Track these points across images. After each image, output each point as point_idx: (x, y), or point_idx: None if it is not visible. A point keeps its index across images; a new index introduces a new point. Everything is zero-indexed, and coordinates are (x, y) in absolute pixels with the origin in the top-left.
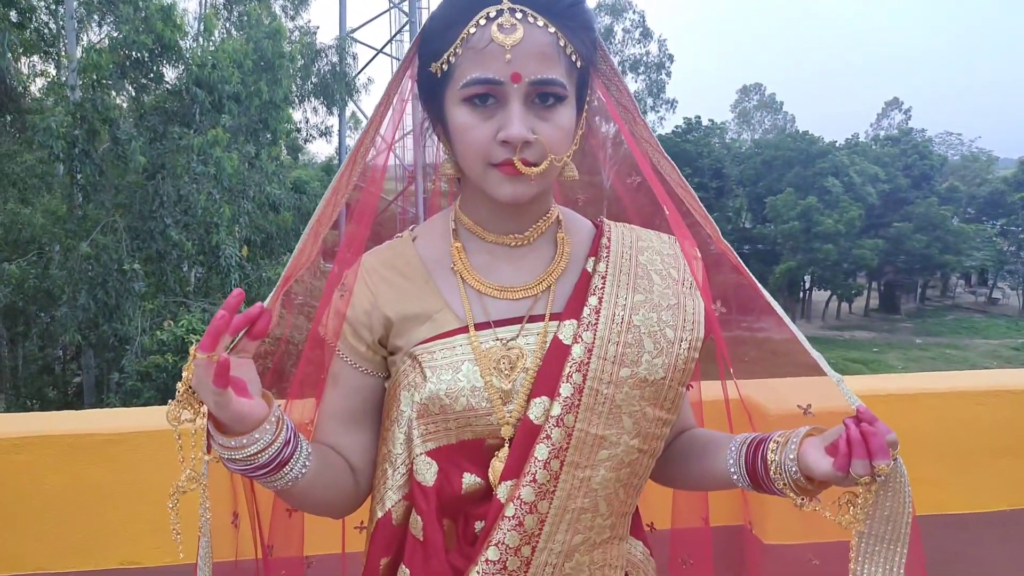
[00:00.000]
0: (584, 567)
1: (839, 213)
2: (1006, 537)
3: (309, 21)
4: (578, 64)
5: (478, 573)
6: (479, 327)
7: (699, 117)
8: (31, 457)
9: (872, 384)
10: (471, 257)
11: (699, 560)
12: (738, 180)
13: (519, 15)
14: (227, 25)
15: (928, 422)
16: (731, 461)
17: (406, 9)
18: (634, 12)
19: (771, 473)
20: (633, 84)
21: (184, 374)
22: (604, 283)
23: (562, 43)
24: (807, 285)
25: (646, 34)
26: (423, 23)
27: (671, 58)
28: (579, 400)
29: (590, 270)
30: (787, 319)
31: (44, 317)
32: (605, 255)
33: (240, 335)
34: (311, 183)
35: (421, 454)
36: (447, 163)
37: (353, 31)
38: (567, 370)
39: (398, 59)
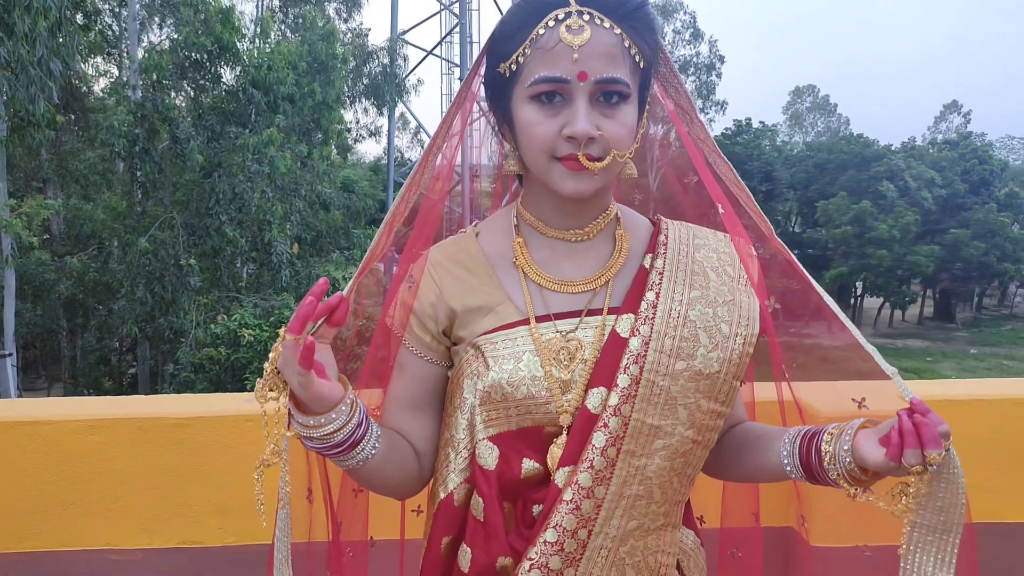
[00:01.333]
0: (638, 552)
1: (894, 218)
2: None
3: (361, 23)
4: (641, 65)
5: (537, 553)
6: (540, 319)
7: (749, 119)
8: (103, 438)
9: (926, 389)
10: (532, 252)
11: (748, 553)
12: (789, 183)
13: (586, 17)
14: (282, 27)
15: (983, 428)
16: (785, 453)
17: (456, 11)
18: (685, 13)
19: (825, 464)
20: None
21: (271, 355)
22: (661, 279)
23: (627, 44)
24: (859, 292)
25: (697, 35)
26: (493, 28)
27: (722, 59)
28: (636, 391)
29: (647, 266)
30: (841, 313)
31: (102, 310)
32: (663, 252)
33: (321, 322)
34: (359, 182)
35: (483, 439)
36: (511, 159)
37: (404, 33)
38: (625, 362)
39: (448, 60)
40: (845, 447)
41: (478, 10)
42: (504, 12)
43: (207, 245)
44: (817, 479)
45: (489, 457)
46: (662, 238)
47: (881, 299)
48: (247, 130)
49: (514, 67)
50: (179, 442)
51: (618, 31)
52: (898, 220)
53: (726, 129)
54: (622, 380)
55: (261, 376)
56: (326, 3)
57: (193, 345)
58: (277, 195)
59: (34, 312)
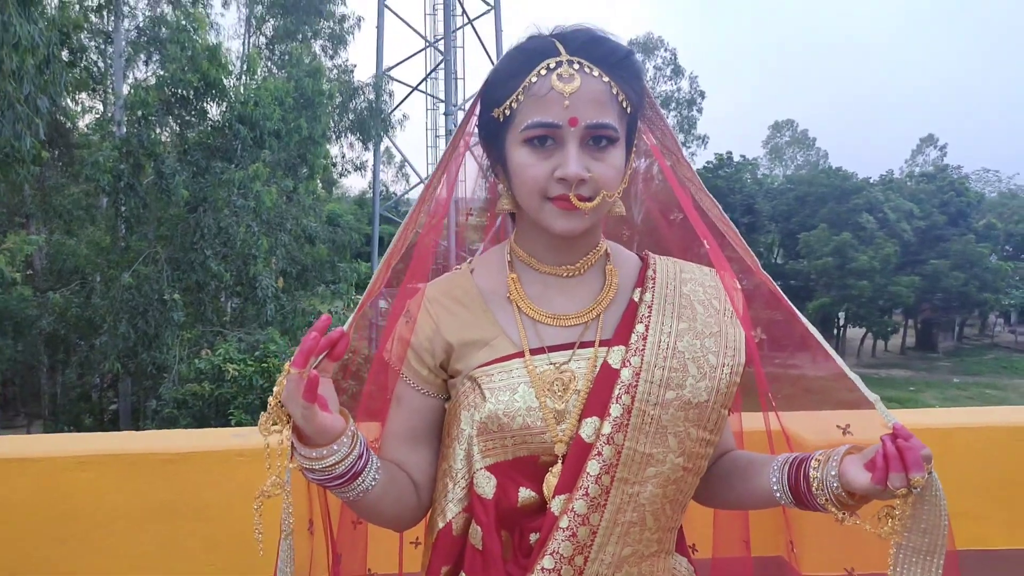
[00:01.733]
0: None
1: (874, 250)
2: None
3: (347, 60)
4: (628, 110)
5: (538, 569)
6: (534, 352)
7: (730, 153)
8: (94, 474)
9: (908, 418)
10: (526, 287)
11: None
12: (770, 216)
13: (576, 66)
14: (268, 64)
15: (965, 456)
16: (774, 479)
17: (441, 48)
18: (666, 50)
19: (813, 489)
20: None
21: (276, 388)
22: (650, 312)
23: (614, 91)
24: (841, 322)
25: (677, 71)
26: (488, 74)
27: (702, 95)
28: (628, 420)
29: (637, 300)
30: (825, 343)
31: (83, 346)
32: (651, 286)
33: (322, 356)
34: (344, 216)
35: (481, 469)
36: (504, 199)
37: (389, 69)
38: (616, 392)
39: (433, 96)
40: (832, 472)
41: (462, 47)
42: (494, 57)
43: (191, 280)
44: (806, 505)
45: (487, 486)
46: (650, 272)
47: (863, 329)
48: (233, 165)
49: (508, 112)
50: (169, 478)
51: (606, 79)
52: (878, 251)
53: (708, 163)
54: (615, 409)
55: (265, 410)
56: (312, 40)
57: (176, 380)
58: (262, 229)
59: (14, 348)
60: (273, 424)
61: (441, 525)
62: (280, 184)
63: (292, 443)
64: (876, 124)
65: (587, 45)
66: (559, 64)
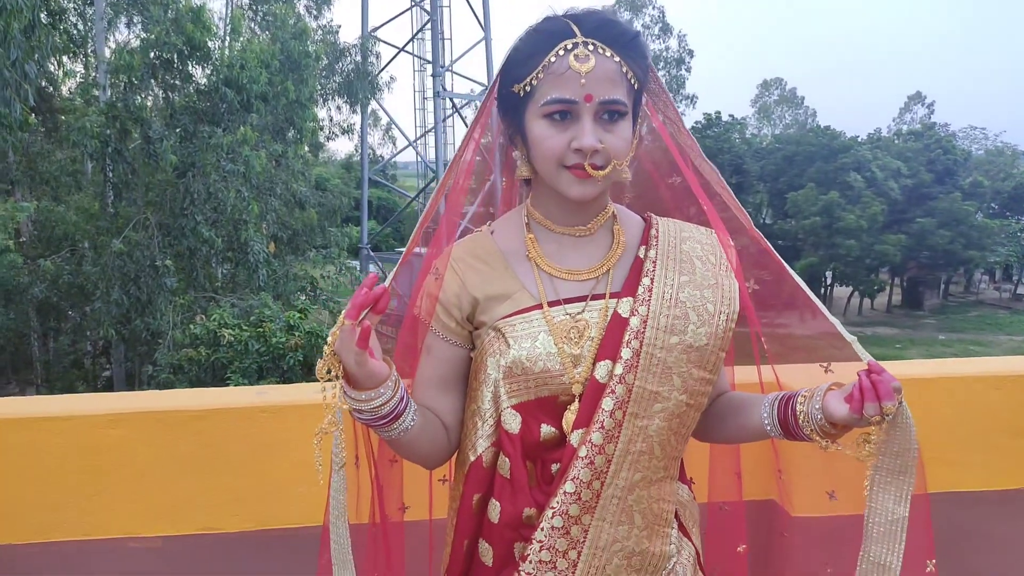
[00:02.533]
0: (643, 500)
1: (861, 208)
2: (1020, 511)
3: (332, 20)
4: (635, 85)
5: (558, 502)
6: (551, 304)
7: (719, 113)
8: (125, 431)
9: (893, 369)
10: (542, 246)
11: (733, 507)
12: (759, 176)
13: (591, 47)
14: (252, 25)
15: (945, 405)
16: (765, 415)
17: (427, 8)
18: (654, 8)
19: (800, 422)
20: None
21: (330, 339)
22: (655, 267)
23: (624, 70)
24: (829, 281)
25: (666, 29)
26: (507, 52)
27: (691, 53)
28: (637, 362)
29: (642, 256)
30: (811, 294)
31: (74, 315)
32: (655, 243)
33: (368, 310)
34: (332, 180)
35: (507, 408)
36: (522, 166)
37: (375, 30)
38: (626, 338)
39: (420, 57)
40: (816, 406)
41: (449, 7)
42: (480, 17)
43: (183, 245)
44: (794, 436)
45: (513, 423)
46: (653, 232)
47: (850, 288)
48: (220, 129)
49: (528, 88)
50: (197, 433)
51: (617, 59)
52: (865, 210)
53: (696, 123)
54: (625, 353)
55: (321, 357)
56: (296, 0)
57: (171, 346)
58: (252, 194)
59: (6, 316)
60: (328, 371)
61: (472, 459)
62: (269, 148)
63: (343, 387)
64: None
65: (600, 27)
66: (576, 45)
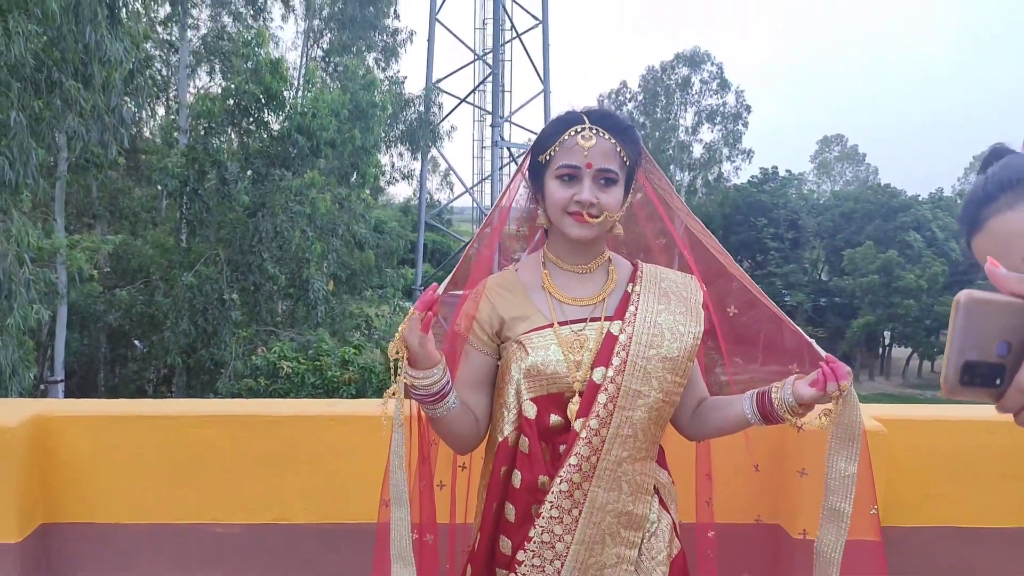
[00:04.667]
0: (629, 473)
1: (921, 268)
2: (1015, 550)
3: (398, 71)
4: (627, 162)
5: (565, 472)
6: (560, 323)
7: (776, 167)
8: (213, 431)
9: (895, 412)
10: (554, 279)
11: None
12: (815, 231)
13: (594, 130)
14: (323, 75)
15: (945, 445)
16: (747, 406)
17: (489, 62)
18: (712, 64)
19: (775, 406)
20: (709, 134)
21: (400, 328)
22: (639, 298)
23: (618, 149)
24: (887, 341)
25: (723, 85)
26: (538, 135)
27: (748, 109)
28: (624, 368)
29: (630, 290)
30: (780, 312)
31: (141, 344)
32: (639, 281)
33: (427, 311)
34: (389, 223)
35: (527, 400)
36: (541, 216)
37: (439, 81)
38: (616, 349)
39: (480, 108)
40: (788, 391)
41: (510, 60)
42: (540, 70)
43: (248, 281)
44: (769, 419)
45: (531, 412)
46: (639, 273)
47: (909, 349)
48: (290, 173)
49: (548, 157)
50: (274, 436)
51: (613, 141)
52: (925, 270)
53: (752, 177)
54: (615, 361)
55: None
56: (366, 53)
57: (232, 376)
58: (316, 234)
59: (80, 342)
60: (397, 353)
61: (500, 439)
62: (334, 191)
63: (405, 367)
64: (930, 142)
65: (602, 118)
66: (583, 128)
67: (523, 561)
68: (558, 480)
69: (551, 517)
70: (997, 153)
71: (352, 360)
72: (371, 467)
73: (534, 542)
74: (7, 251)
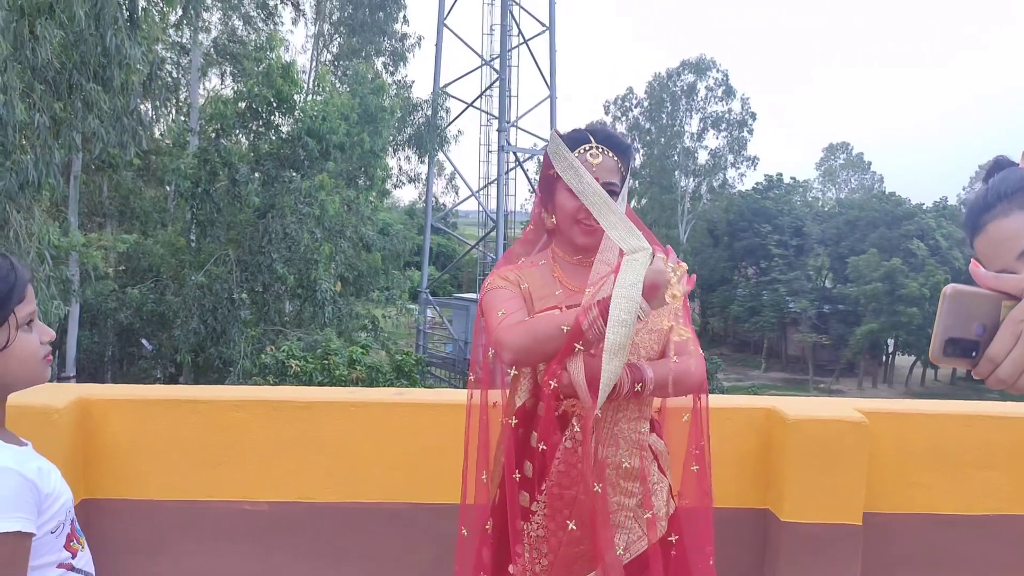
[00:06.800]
0: (625, 431)
1: (925, 276)
2: (989, 536)
3: (406, 76)
4: (624, 175)
5: (570, 432)
6: (568, 307)
7: (780, 175)
8: (245, 415)
9: (877, 406)
10: (561, 269)
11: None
12: (819, 239)
13: (600, 149)
14: (333, 79)
15: (924, 437)
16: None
17: (496, 67)
18: (717, 71)
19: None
20: (715, 141)
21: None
22: None
23: (619, 165)
24: (890, 349)
25: (729, 92)
26: (546, 150)
27: (753, 116)
28: None
29: None
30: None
31: (150, 343)
32: None
33: None
34: (394, 226)
35: (542, 367)
36: (548, 221)
37: (446, 86)
38: None
39: (487, 113)
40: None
41: (517, 66)
42: (547, 76)
43: (258, 281)
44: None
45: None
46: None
47: (913, 357)
48: (300, 175)
49: (558, 172)
50: (302, 420)
51: (615, 158)
52: (929, 278)
53: (757, 184)
54: None
55: None
56: (375, 57)
57: (240, 375)
58: (324, 236)
59: (90, 339)
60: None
61: (519, 403)
62: (342, 194)
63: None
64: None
65: (607, 138)
66: (591, 147)
67: (536, 511)
68: (564, 438)
69: (559, 472)
70: (999, 164)
71: (359, 359)
72: (391, 450)
73: (546, 494)
74: (29, 248)
